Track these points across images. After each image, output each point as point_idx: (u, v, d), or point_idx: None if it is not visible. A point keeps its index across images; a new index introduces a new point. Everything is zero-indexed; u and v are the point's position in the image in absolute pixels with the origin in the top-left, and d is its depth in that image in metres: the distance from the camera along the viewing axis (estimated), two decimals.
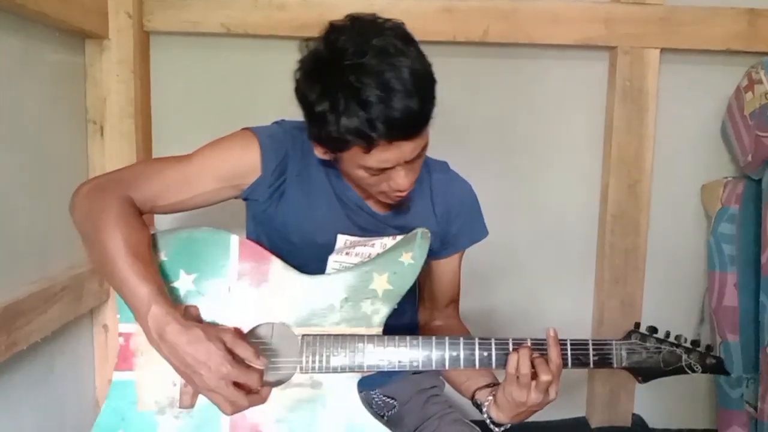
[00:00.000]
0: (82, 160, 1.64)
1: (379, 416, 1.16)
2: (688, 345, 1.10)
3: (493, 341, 1.07)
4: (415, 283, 1.29)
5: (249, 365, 0.97)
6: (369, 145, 0.98)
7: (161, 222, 1.60)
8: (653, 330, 1.11)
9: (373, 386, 1.24)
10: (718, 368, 1.11)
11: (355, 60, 0.95)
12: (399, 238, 1.16)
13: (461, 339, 1.07)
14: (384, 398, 1.23)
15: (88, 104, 1.64)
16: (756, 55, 1.82)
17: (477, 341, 1.07)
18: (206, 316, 1.06)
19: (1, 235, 1.27)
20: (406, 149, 1.01)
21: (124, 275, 0.97)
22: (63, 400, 1.52)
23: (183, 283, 1.06)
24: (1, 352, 1.17)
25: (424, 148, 1.06)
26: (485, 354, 1.06)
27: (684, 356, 1.09)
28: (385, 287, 1.08)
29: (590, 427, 1.97)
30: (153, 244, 1.06)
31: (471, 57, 1.87)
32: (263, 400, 1.00)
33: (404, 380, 1.27)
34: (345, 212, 1.19)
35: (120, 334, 1.05)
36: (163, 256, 1.07)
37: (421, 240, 1.11)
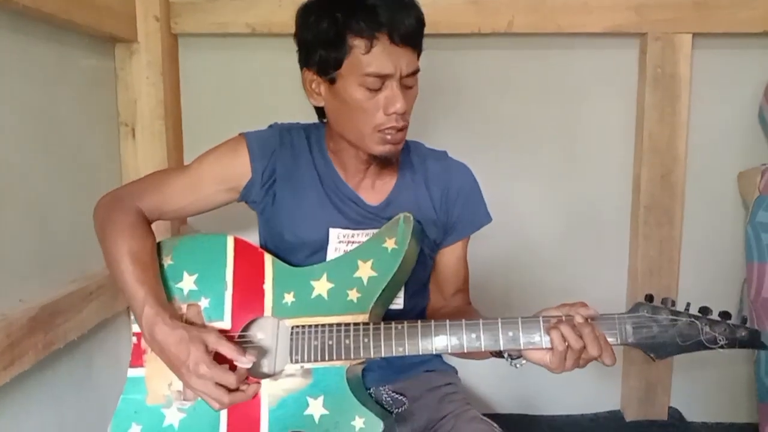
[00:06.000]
0: (115, 162, 1.69)
1: (388, 412, 1.17)
2: (715, 317, 0.97)
3: (500, 321, 1.01)
4: (420, 271, 1.25)
5: (227, 367, 1.02)
6: (371, 40, 1.03)
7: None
8: (669, 302, 0.98)
9: (383, 383, 1.25)
10: (752, 341, 0.95)
11: None
12: None
13: (447, 322, 1.03)
14: (393, 394, 1.23)
15: (119, 107, 1.69)
16: None
17: (464, 322, 1.02)
18: (207, 313, 1.11)
19: (39, 236, 1.31)
20: (402, 59, 1.06)
21: (124, 279, 1.06)
22: (103, 395, 1.56)
23: (186, 284, 1.13)
24: (39, 350, 1.22)
25: (416, 80, 1.10)
26: (473, 336, 1.01)
27: (706, 329, 0.96)
28: (370, 274, 1.09)
29: (625, 420, 1.93)
30: (161, 249, 1.14)
31: (498, 48, 1.84)
32: (248, 397, 1.04)
33: (415, 378, 1.27)
34: (336, 206, 1.20)
35: (133, 334, 1.12)
36: (169, 260, 1.14)
37: (404, 225, 1.11)
